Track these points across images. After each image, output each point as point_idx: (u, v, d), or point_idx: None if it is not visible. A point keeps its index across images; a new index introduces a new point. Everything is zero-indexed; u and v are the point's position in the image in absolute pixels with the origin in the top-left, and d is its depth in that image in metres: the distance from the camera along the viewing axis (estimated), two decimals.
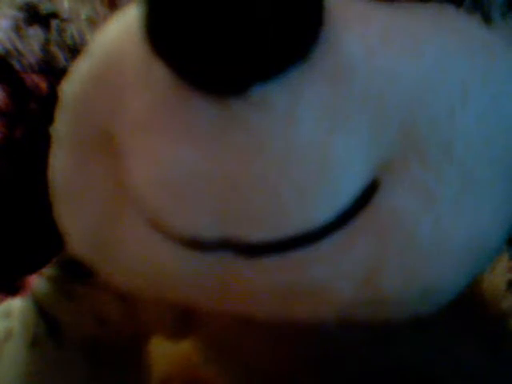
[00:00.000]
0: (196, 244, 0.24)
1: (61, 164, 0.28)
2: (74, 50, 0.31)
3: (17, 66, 0.32)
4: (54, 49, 0.32)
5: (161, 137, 0.23)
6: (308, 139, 0.22)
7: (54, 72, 0.31)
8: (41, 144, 0.28)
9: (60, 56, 0.32)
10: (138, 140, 0.24)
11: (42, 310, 0.38)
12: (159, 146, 0.23)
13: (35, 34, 0.32)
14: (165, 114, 0.23)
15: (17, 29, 0.32)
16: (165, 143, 0.23)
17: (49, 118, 0.28)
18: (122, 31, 0.26)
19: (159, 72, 0.22)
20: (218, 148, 0.22)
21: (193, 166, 0.22)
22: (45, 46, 0.32)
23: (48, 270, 0.38)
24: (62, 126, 0.27)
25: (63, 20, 0.32)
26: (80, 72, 0.27)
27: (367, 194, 0.24)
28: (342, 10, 0.24)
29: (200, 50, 0.21)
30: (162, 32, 0.21)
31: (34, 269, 0.35)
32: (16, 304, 0.41)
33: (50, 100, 0.28)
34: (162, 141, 0.23)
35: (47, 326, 0.38)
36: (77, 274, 0.36)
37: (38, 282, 0.38)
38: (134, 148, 0.24)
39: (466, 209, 0.24)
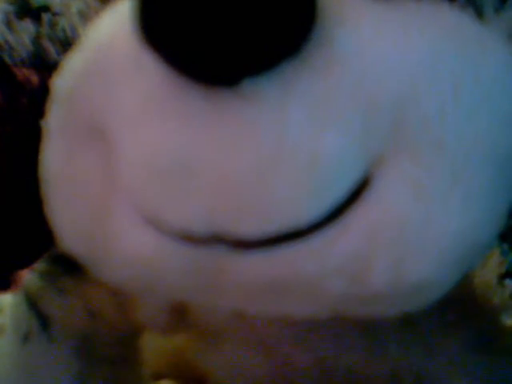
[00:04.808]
0: (188, 238, 0.24)
1: (52, 158, 0.27)
2: (66, 44, 0.31)
3: (8, 60, 0.31)
4: (46, 42, 0.32)
5: (152, 128, 0.23)
6: (299, 133, 0.22)
7: (46, 66, 0.31)
8: (32, 138, 0.28)
9: (51, 50, 0.31)
10: (129, 132, 0.24)
11: (34, 306, 0.38)
12: (151, 138, 0.23)
13: (26, 27, 0.32)
14: (156, 106, 0.23)
15: (8, 22, 0.32)
16: (156, 134, 0.23)
17: (40, 112, 0.28)
18: (113, 24, 0.26)
19: (151, 64, 0.22)
20: (209, 140, 0.22)
21: (183, 157, 0.22)
22: (36, 40, 0.32)
23: (39, 265, 0.37)
24: (53, 120, 0.27)
25: (55, 14, 0.32)
26: (72, 65, 0.27)
27: (358, 189, 0.24)
28: (336, 6, 0.24)
29: (192, 41, 0.21)
30: (155, 23, 0.21)
31: (26, 264, 0.35)
32: (7, 299, 0.41)
33: (42, 94, 0.28)
34: (154, 132, 0.23)
35: (39, 321, 0.38)
36: (68, 269, 0.36)
37: (29, 277, 0.38)
38: (126, 139, 0.24)
39: (457, 204, 0.24)
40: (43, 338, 0.38)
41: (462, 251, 0.25)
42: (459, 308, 0.35)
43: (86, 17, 0.30)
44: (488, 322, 0.37)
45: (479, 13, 0.25)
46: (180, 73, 0.22)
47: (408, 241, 0.24)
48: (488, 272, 0.38)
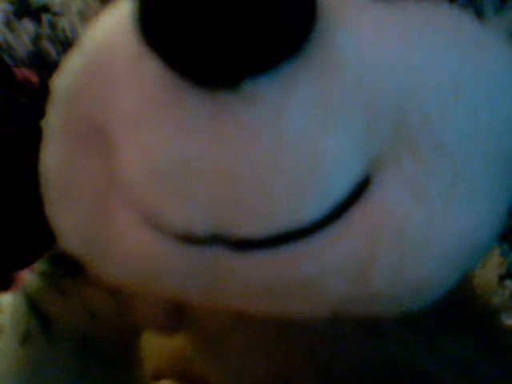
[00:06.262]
0: (188, 238, 0.24)
1: (52, 159, 0.27)
2: (66, 44, 0.31)
3: (8, 60, 0.31)
4: (46, 43, 0.32)
5: (152, 129, 0.23)
6: (300, 134, 0.22)
7: (46, 66, 0.31)
8: (32, 139, 0.28)
9: (51, 50, 0.31)
10: (129, 133, 0.24)
11: (34, 306, 0.38)
12: (151, 139, 0.23)
13: (26, 27, 0.32)
14: (156, 107, 0.23)
15: (8, 22, 0.32)
16: (156, 136, 0.23)
17: (40, 113, 0.28)
18: (113, 24, 0.26)
19: (151, 65, 0.22)
20: (210, 141, 0.22)
21: (183, 158, 0.22)
22: (36, 40, 0.32)
23: (39, 265, 0.37)
24: (53, 120, 0.27)
25: (55, 14, 0.32)
26: (72, 66, 0.27)
27: (359, 190, 0.24)
28: (336, 5, 0.24)
29: (192, 43, 0.21)
30: (155, 25, 0.21)
31: (26, 264, 0.35)
32: (7, 299, 0.41)
33: (41, 94, 0.28)
34: (154, 133, 0.23)
35: (38, 321, 0.38)
36: (68, 269, 0.36)
37: (29, 277, 0.38)
38: (126, 141, 0.24)
39: (457, 204, 0.24)
40: (43, 338, 0.38)
41: (463, 251, 0.25)
42: (459, 308, 0.35)
43: (85, 17, 0.30)
44: (488, 322, 0.38)
45: (479, 13, 0.25)
46: (180, 74, 0.22)
47: (408, 241, 0.24)
48: (488, 272, 0.38)
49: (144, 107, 0.23)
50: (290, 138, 0.22)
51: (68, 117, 0.27)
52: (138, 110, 0.24)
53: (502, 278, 0.38)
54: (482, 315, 0.37)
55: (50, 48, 0.31)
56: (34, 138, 0.28)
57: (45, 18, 0.32)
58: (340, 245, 0.24)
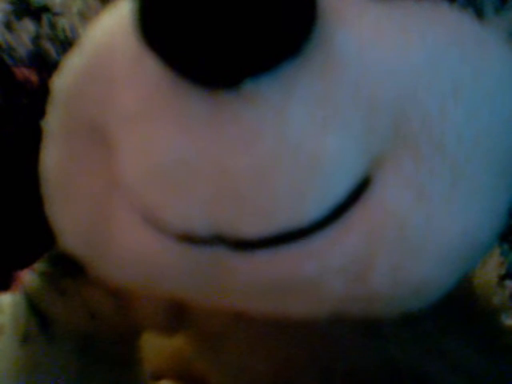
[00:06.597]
0: (189, 238, 0.24)
1: (52, 159, 0.27)
2: (66, 44, 0.31)
3: (8, 60, 0.31)
4: (46, 43, 0.32)
5: (152, 129, 0.23)
6: (300, 134, 0.22)
7: (46, 66, 0.31)
8: (32, 138, 0.28)
9: (51, 50, 0.31)
10: (129, 132, 0.24)
11: (34, 306, 0.38)
12: (151, 139, 0.23)
13: (26, 27, 0.32)
14: (156, 106, 0.23)
15: (8, 22, 0.32)
16: (156, 136, 0.23)
17: (40, 113, 0.28)
18: (113, 24, 0.26)
19: (151, 65, 0.22)
20: (210, 141, 0.22)
21: (184, 158, 0.23)
22: (36, 40, 0.32)
23: (39, 265, 0.37)
24: (53, 120, 0.27)
25: (55, 14, 0.32)
26: (72, 65, 0.27)
27: (359, 190, 0.24)
28: (336, 5, 0.24)
29: (193, 42, 0.21)
30: (155, 25, 0.21)
31: (26, 264, 0.35)
32: (7, 299, 0.41)
33: (41, 94, 0.28)
34: (154, 133, 0.23)
35: (38, 321, 0.38)
36: (68, 270, 0.36)
37: (29, 277, 0.38)
38: (126, 140, 0.24)
39: (457, 204, 0.24)
40: (43, 338, 0.38)
41: (463, 251, 0.25)
42: (459, 308, 0.35)
43: (85, 17, 0.30)
44: (488, 322, 0.37)
45: (479, 13, 0.25)
46: (180, 74, 0.22)
47: (408, 241, 0.24)
48: (488, 272, 0.38)
49: (144, 107, 0.23)
50: (290, 138, 0.22)
51: (68, 117, 0.27)
52: (137, 109, 0.24)
53: (502, 278, 0.38)
54: (482, 315, 0.37)
55: (50, 48, 0.31)
56: (34, 138, 0.28)
57: (45, 18, 0.32)
58: (340, 245, 0.24)
